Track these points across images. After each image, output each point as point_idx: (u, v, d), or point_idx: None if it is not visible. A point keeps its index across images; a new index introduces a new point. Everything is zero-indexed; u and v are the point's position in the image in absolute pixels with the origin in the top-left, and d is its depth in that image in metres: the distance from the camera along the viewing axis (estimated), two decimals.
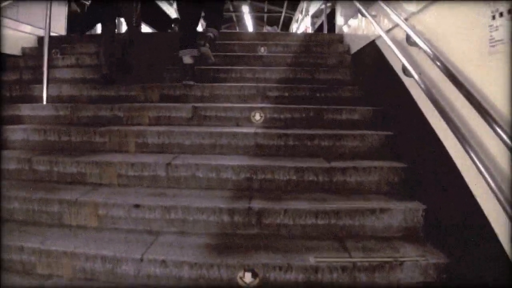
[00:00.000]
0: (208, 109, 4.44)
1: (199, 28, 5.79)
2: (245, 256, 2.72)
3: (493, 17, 2.23)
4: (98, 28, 9.39)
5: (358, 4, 4.94)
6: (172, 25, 15.49)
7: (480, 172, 2.07)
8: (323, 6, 15.11)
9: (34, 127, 4.31)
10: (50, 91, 4.94)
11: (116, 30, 5.72)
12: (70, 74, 5.64)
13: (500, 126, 1.98)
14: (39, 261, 2.81)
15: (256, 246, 2.87)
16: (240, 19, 27.08)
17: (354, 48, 5.87)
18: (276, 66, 5.65)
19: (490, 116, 2.08)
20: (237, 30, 24.50)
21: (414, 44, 3.25)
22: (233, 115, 4.41)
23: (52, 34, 6.86)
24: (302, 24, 19.84)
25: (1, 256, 2.83)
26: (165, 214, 3.12)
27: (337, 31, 7.31)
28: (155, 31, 12.19)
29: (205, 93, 4.91)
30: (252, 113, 4.37)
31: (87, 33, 6.55)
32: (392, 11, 3.70)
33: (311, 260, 2.67)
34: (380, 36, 4.30)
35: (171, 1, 18.08)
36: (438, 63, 2.73)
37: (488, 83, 2.31)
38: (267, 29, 20.96)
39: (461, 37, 2.69)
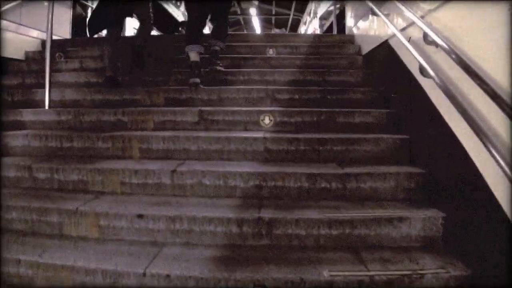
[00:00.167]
0: (215, 113, 4.27)
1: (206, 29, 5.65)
2: (255, 269, 2.55)
3: None
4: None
5: (370, 3, 4.75)
6: (179, 28, 15.40)
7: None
8: (331, 8, 15.00)
9: (35, 133, 4.17)
10: (53, 95, 4.83)
11: (121, 33, 5.56)
12: (74, 78, 5.49)
13: None
14: (37, 275, 2.67)
15: (267, 259, 2.70)
16: (247, 22, 26.97)
17: (365, 49, 5.68)
18: (285, 68, 5.47)
19: None
20: (245, 32, 24.40)
21: (431, 43, 3.07)
22: (241, 119, 4.24)
23: (56, 37, 6.83)
24: (310, 26, 19.69)
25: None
26: (170, 225, 2.96)
27: (347, 32, 7.12)
28: (162, 34, 12.04)
29: (212, 96, 4.74)
30: (261, 117, 4.20)
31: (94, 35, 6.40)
32: (407, 9, 3.52)
33: (325, 274, 2.49)
34: (393, 36, 4.13)
35: (178, 4, 18.01)
36: (460, 63, 2.55)
37: None
38: (275, 31, 20.82)
39: (484, 35, 2.50)
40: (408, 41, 3.49)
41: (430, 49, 3.17)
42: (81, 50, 6.45)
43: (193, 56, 4.88)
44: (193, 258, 2.70)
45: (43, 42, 6.36)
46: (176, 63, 5.65)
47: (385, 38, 4.52)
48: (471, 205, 2.64)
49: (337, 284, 2.45)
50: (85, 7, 9.31)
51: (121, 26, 5.43)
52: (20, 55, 6.20)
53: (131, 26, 9.95)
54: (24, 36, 6.22)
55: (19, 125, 4.54)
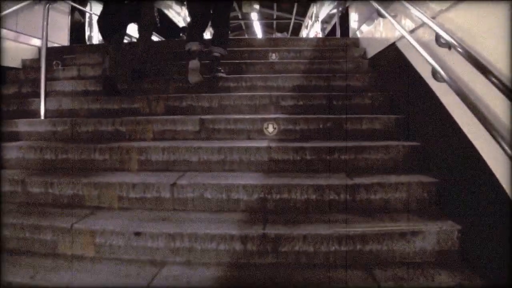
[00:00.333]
0: (216, 121, 4.10)
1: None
2: None
3: None
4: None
5: (376, 5, 4.57)
6: (181, 34, 15.28)
7: None
8: (334, 11, 14.87)
9: (30, 145, 4.02)
10: (49, 105, 4.67)
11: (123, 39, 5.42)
12: (71, 87, 5.34)
13: None
14: None
15: (273, 278, 2.53)
16: (249, 27, 26.85)
17: (371, 52, 5.50)
18: (288, 73, 5.30)
19: None
20: (247, 37, 24.29)
21: (444, 45, 2.91)
22: (244, 128, 4.07)
23: (53, 45, 6.70)
24: (312, 30, 19.56)
25: None
26: (169, 243, 2.79)
27: (351, 34, 6.94)
28: (162, 39, 11.91)
29: (213, 103, 4.57)
30: (265, 125, 4.02)
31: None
32: (417, 9, 3.34)
33: None
34: (401, 38, 3.97)
35: (181, 8, 17.93)
36: (477, 66, 2.38)
37: None
38: (277, 35, 20.65)
39: (503, 36, 2.32)
40: (419, 43, 3.31)
41: (443, 51, 3.00)
42: (79, 58, 6.31)
43: (193, 46, 4.91)
44: (194, 279, 2.52)
45: (41, 50, 6.22)
46: (177, 69, 5.50)
47: (392, 41, 4.34)
48: (489, 217, 2.47)
49: None
50: (83, 14, 9.16)
51: (124, 31, 5.29)
52: (16, 63, 6.07)
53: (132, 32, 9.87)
54: (21, 44, 6.08)
55: (14, 136, 4.39)
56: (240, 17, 22.99)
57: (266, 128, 4.00)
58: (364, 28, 5.96)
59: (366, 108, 4.41)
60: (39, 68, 5.09)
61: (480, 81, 2.37)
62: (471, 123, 2.55)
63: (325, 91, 4.76)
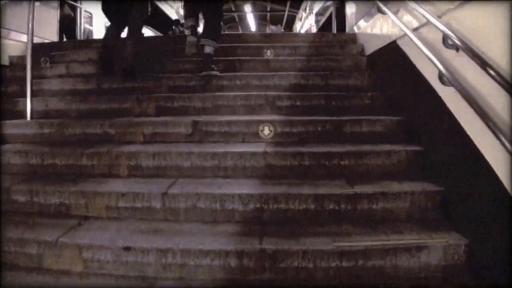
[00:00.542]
0: (210, 123, 3.91)
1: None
2: None
3: None
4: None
5: (377, 1, 4.38)
6: (173, 27, 15.06)
7: None
8: (328, 3, 14.70)
9: (16, 149, 3.84)
10: (36, 105, 4.51)
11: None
12: (59, 85, 5.14)
13: None
14: None
15: None
16: (242, 19, 26.67)
17: (369, 49, 5.31)
18: (284, 71, 5.11)
19: None
20: (240, 32, 24.08)
21: (451, 46, 2.74)
22: (239, 130, 3.89)
23: (41, 40, 6.50)
24: (306, 22, 19.40)
25: None
26: (160, 258, 2.63)
27: (348, 29, 6.74)
28: (154, 35, 11.66)
29: (207, 104, 4.39)
30: (261, 127, 3.85)
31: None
32: (422, 7, 3.15)
33: None
34: (403, 36, 3.79)
35: (173, 1, 17.71)
36: (488, 71, 2.22)
37: None
38: (271, 28, 20.48)
39: None
40: (423, 43, 3.15)
41: (450, 53, 2.83)
42: (67, 54, 6.08)
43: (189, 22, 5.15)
44: None
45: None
46: (169, 67, 5.33)
47: (393, 38, 4.16)
48: (498, 229, 2.34)
49: None
50: (74, 8, 8.92)
51: (122, 23, 5.20)
52: (3, 60, 5.82)
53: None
54: (8, 40, 5.84)
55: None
56: (233, 9, 22.76)
57: (262, 131, 3.83)
58: (362, 23, 5.76)
59: (366, 108, 4.25)
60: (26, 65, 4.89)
61: (491, 87, 2.21)
62: (479, 131, 2.40)
63: (323, 90, 4.58)
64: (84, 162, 3.61)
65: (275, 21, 25.17)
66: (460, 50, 2.61)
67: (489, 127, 2.20)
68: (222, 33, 5.52)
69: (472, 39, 2.54)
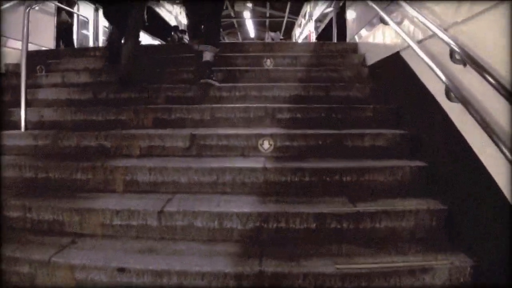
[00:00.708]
0: (208, 137, 3.81)
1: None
2: None
3: None
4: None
5: (379, 10, 4.29)
6: (172, 33, 15.00)
7: None
8: (327, 10, 14.66)
9: (9, 162, 3.73)
10: (30, 115, 4.40)
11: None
12: (54, 95, 5.04)
13: None
14: None
15: None
16: (241, 25, 26.65)
17: (371, 60, 5.22)
18: (285, 82, 5.01)
19: None
20: (239, 41, 24.04)
21: (459, 61, 2.65)
22: (237, 144, 3.79)
23: (38, 48, 6.41)
24: (305, 29, 19.38)
25: None
26: (156, 280, 2.52)
27: (348, 38, 6.66)
28: (151, 43, 11.57)
29: (205, 116, 4.29)
30: (260, 141, 3.75)
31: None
32: (429, 20, 3.06)
33: None
34: (407, 48, 3.71)
35: (172, 6, 17.67)
36: (498, 89, 2.13)
37: None
38: (270, 35, 20.37)
39: None
40: (428, 56, 3.06)
41: (457, 68, 2.73)
42: (64, 63, 6.00)
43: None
44: None
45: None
46: (166, 76, 5.25)
47: (396, 50, 4.07)
48: (507, 251, 2.22)
49: None
50: (71, 15, 8.83)
51: (123, 24, 5.11)
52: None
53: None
54: (5, 48, 5.74)
55: None
56: (232, 15, 22.72)
57: (261, 145, 3.74)
58: (364, 32, 5.68)
59: (368, 121, 4.16)
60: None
61: (501, 106, 2.14)
62: (487, 150, 2.35)
63: (324, 102, 4.48)
64: (79, 176, 3.51)
65: (274, 27, 25.11)
66: (468, 65, 2.52)
67: (498, 147, 2.12)
68: (222, 41, 5.45)
69: (481, 54, 2.45)
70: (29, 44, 6.37)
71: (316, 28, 17.28)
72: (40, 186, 3.55)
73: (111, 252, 2.75)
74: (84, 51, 6.81)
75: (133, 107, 4.44)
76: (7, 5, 5.48)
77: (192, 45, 5.23)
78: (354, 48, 6.02)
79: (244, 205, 3.03)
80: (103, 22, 10.72)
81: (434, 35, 2.97)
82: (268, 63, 5.58)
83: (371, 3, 4.56)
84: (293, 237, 2.87)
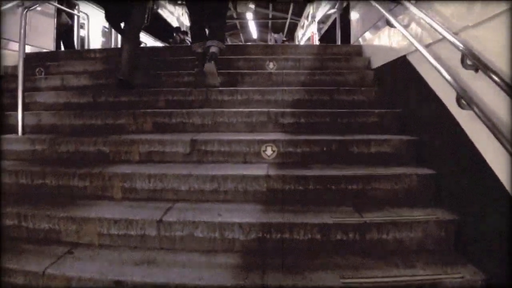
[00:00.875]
0: (209, 143, 3.71)
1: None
2: None
3: None
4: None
5: (385, 12, 4.18)
6: (174, 34, 14.90)
7: None
8: (330, 11, 14.57)
9: (5, 167, 3.62)
10: (28, 119, 4.32)
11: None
12: (53, 98, 4.93)
13: None
14: None
15: None
16: (244, 26, 26.56)
17: (376, 63, 5.11)
18: (288, 85, 4.91)
19: None
20: (242, 43, 23.98)
21: (470, 67, 2.54)
22: (239, 150, 3.69)
23: (37, 49, 6.32)
24: (308, 30, 19.28)
25: None
26: None
27: (353, 41, 6.54)
28: (151, 45, 11.47)
29: (206, 120, 4.19)
30: (263, 147, 3.65)
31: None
32: (438, 24, 2.95)
33: None
34: (414, 52, 3.60)
35: (174, 7, 17.60)
36: None
37: None
38: (273, 36, 20.29)
39: None
40: (437, 61, 2.95)
41: (467, 73, 2.62)
42: (63, 65, 5.90)
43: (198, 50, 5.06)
44: None
45: (26, 55, 5.83)
46: (166, 79, 5.16)
47: (403, 53, 3.97)
48: None
49: None
50: (72, 16, 8.73)
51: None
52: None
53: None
54: (4, 50, 5.65)
55: None
56: (235, 16, 22.64)
57: (264, 151, 3.63)
58: (369, 35, 5.56)
59: (374, 127, 4.05)
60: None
61: None
62: (500, 160, 2.25)
63: (328, 107, 4.38)
64: (76, 183, 3.42)
65: (277, 28, 25.06)
66: (480, 71, 2.41)
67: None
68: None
69: (494, 60, 2.35)
70: (29, 46, 6.35)
71: (319, 29, 17.19)
72: (37, 193, 3.45)
73: (108, 263, 2.65)
74: (84, 53, 6.70)
75: (132, 111, 4.34)
76: (6, 6, 5.39)
77: (194, 48, 5.18)
78: (358, 50, 5.91)
79: (246, 215, 2.92)
80: (96, 25, 10.55)
81: (444, 39, 2.86)
82: (271, 66, 5.48)
83: (376, 5, 4.43)
84: (297, 248, 2.77)
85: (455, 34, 2.75)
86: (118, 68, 4.90)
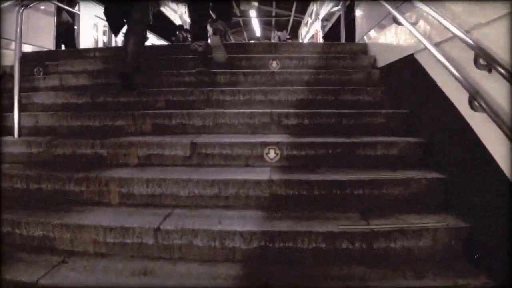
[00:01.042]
0: (210, 145, 3.58)
1: None
2: None
3: None
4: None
5: (391, 9, 4.03)
6: (177, 32, 14.80)
7: None
8: (334, 9, 14.43)
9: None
10: (25, 120, 4.21)
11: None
12: (51, 99, 4.82)
13: None
14: None
15: None
16: (247, 24, 26.43)
17: (382, 61, 4.96)
18: (291, 85, 4.76)
19: None
20: (243, 41, 23.86)
21: (484, 67, 2.41)
22: (241, 153, 3.56)
23: (36, 48, 6.22)
24: (312, 28, 19.14)
25: None
26: None
27: (357, 39, 6.39)
28: (153, 44, 11.36)
29: (207, 122, 4.07)
30: (266, 150, 3.52)
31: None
32: (448, 21, 2.81)
33: None
34: (422, 50, 3.47)
35: (177, 6, 17.50)
36: None
37: None
38: (276, 34, 20.17)
39: None
40: (448, 60, 2.82)
41: (480, 73, 2.49)
42: (62, 64, 5.78)
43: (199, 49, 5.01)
44: None
45: (24, 55, 5.72)
46: (167, 79, 5.04)
47: (410, 52, 3.82)
48: None
49: None
50: (73, 15, 8.62)
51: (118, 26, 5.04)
52: None
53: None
54: (3, 49, 5.54)
55: None
56: (238, 14, 22.50)
57: (267, 154, 3.51)
58: (374, 33, 5.42)
59: (380, 128, 3.91)
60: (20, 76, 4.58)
61: None
62: None
63: (333, 107, 4.24)
64: (72, 188, 3.30)
65: (281, 26, 24.91)
66: (494, 72, 2.28)
67: None
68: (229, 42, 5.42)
69: (509, 59, 2.21)
70: (29, 45, 6.24)
71: (322, 27, 17.05)
72: (31, 198, 3.33)
73: (104, 273, 2.55)
74: (84, 52, 6.59)
75: (131, 112, 4.21)
76: (4, 4, 5.29)
77: (195, 46, 5.08)
78: (363, 49, 5.76)
79: (248, 222, 2.80)
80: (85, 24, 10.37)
81: (454, 37, 2.73)
82: (274, 65, 5.33)
83: (383, 2, 4.29)
84: (301, 257, 2.64)
85: (467, 32, 2.62)
86: (121, 62, 4.82)
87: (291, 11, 22.74)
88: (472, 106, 2.50)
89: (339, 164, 3.47)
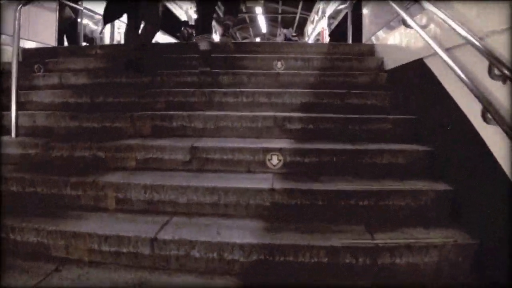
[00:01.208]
0: (210, 150, 3.48)
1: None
2: None
3: None
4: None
5: (400, 11, 3.89)
6: (182, 28, 14.69)
7: None
8: (341, 7, 14.28)
9: None
10: (23, 120, 4.14)
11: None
12: (50, 98, 4.72)
13: None
14: None
15: None
16: (253, 20, 26.31)
17: (390, 64, 4.83)
18: (296, 87, 4.63)
19: None
20: (247, 41, 23.75)
21: (498, 77, 2.29)
22: (243, 158, 3.45)
23: (37, 45, 6.14)
24: (318, 26, 18.99)
25: None
26: None
27: (365, 39, 6.25)
28: (158, 42, 11.24)
29: (209, 125, 3.95)
30: (268, 156, 3.41)
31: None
32: (461, 27, 2.68)
33: None
34: (432, 55, 3.34)
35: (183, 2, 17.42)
36: None
37: None
38: (283, 31, 19.97)
39: None
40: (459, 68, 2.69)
41: (494, 84, 2.37)
42: (62, 62, 5.68)
43: (203, 46, 4.98)
44: None
45: (24, 51, 5.69)
46: (168, 79, 4.94)
47: (420, 56, 3.69)
48: None
49: None
50: (76, 10, 8.51)
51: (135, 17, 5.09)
52: None
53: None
54: (4, 46, 5.46)
55: None
56: (244, 10, 22.38)
57: (269, 160, 3.40)
58: (382, 34, 5.29)
59: (387, 134, 3.79)
60: (20, 73, 4.48)
61: None
62: None
63: (338, 112, 4.12)
64: (68, 192, 3.22)
65: (287, 23, 24.74)
66: (509, 82, 2.17)
67: None
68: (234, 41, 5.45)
69: None
70: (30, 42, 6.15)
71: (329, 25, 16.90)
72: (26, 203, 3.24)
73: (98, 283, 2.48)
74: (85, 49, 6.50)
75: (131, 113, 4.10)
76: (5, 0, 5.21)
77: (199, 39, 5.11)
78: (370, 50, 5.62)
79: (247, 234, 2.69)
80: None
81: (467, 43, 2.61)
82: (279, 66, 5.21)
83: (391, 3, 4.15)
84: (302, 272, 2.54)
85: (480, 39, 2.49)
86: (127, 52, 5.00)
87: (297, 8, 22.57)
88: (485, 118, 2.38)
89: (344, 172, 3.35)
